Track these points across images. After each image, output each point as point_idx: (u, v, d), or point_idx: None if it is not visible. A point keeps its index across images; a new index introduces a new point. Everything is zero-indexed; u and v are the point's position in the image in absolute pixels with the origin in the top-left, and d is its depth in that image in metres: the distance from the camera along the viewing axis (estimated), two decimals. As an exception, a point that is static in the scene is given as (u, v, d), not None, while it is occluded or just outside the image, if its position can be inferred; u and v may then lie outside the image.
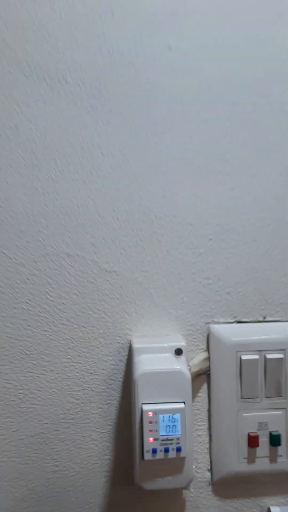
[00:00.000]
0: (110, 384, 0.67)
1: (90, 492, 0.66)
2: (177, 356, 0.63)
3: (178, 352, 0.64)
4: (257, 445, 0.66)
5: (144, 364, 0.60)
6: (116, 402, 0.67)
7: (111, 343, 0.67)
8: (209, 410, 0.68)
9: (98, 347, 0.67)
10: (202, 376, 0.68)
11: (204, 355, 0.67)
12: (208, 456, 0.68)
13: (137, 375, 0.59)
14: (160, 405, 0.58)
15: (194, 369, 0.66)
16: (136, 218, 0.66)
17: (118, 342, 0.67)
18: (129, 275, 0.66)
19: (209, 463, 0.68)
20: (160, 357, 0.62)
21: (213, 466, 0.68)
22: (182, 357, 0.63)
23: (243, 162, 0.67)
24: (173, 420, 0.58)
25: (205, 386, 0.68)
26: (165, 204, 0.66)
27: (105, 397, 0.67)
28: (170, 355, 0.63)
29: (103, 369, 0.67)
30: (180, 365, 0.60)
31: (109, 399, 0.67)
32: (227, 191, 0.67)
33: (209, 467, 0.68)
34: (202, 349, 0.68)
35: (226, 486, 0.68)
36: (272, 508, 0.68)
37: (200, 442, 0.68)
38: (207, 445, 0.68)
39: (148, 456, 0.57)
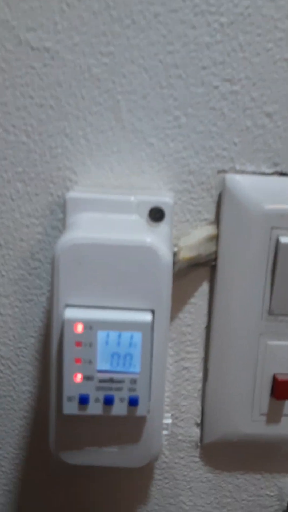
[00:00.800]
0: (34, 268, 0.38)
1: None
2: (154, 223, 0.32)
3: (157, 215, 0.33)
4: (287, 396, 0.37)
5: (80, 228, 0.30)
6: (43, 299, 0.38)
7: (36, 194, 0.36)
8: (207, 329, 0.39)
9: (13, 199, 0.37)
10: (201, 269, 0.37)
11: (208, 231, 0.36)
12: (198, 403, 0.40)
13: (59, 249, 0.29)
14: (102, 311, 0.29)
15: (187, 254, 0.36)
16: None
17: (51, 194, 0.36)
18: (75, 59, 0.33)
19: (199, 414, 0.40)
20: (117, 221, 0.31)
21: (206, 420, 0.40)
22: (163, 227, 0.32)
23: None
24: (128, 343, 0.29)
25: (204, 287, 0.38)
26: None
27: (23, 288, 0.38)
28: (139, 220, 0.32)
29: (21, 240, 0.37)
30: (153, 238, 0.29)
31: (30, 292, 0.38)
32: None
33: (198, 421, 0.40)
34: (205, 220, 0.37)
35: (225, 452, 0.41)
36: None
37: (188, 380, 0.40)
38: (199, 386, 0.40)
39: (69, 408, 0.29)
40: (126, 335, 0.28)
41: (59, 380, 0.29)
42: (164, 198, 0.32)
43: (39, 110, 0.35)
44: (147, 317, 0.28)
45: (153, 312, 0.29)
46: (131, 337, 0.28)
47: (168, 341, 0.31)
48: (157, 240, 0.29)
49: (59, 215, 0.36)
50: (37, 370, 0.39)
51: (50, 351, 0.30)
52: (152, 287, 0.28)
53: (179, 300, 0.38)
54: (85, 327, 0.28)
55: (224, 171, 0.36)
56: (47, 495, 0.42)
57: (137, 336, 0.28)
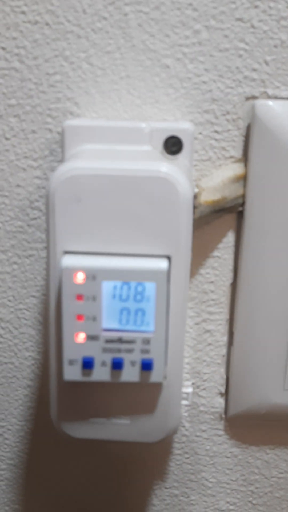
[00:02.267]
0: (33, 219, 0.33)
1: None
2: (170, 157, 0.27)
3: (173, 147, 0.27)
4: None
5: (80, 159, 0.24)
6: (45, 254, 0.34)
7: (33, 132, 0.31)
8: (233, 286, 0.34)
9: (7, 138, 0.32)
10: (226, 217, 0.32)
11: (234, 170, 0.31)
12: (222, 370, 0.35)
13: (54, 183, 0.24)
14: (107, 258, 0.24)
15: (210, 197, 0.31)
16: None
17: (49, 130, 0.31)
18: None
19: (223, 382, 0.36)
20: (125, 151, 0.26)
21: (231, 390, 0.35)
22: (181, 161, 0.27)
23: None
24: (139, 296, 0.24)
25: (229, 237, 0.33)
26: None
27: (22, 242, 0.33)
28: (152, 151, 0.27)
29: (18, 187, 0.33)
30: (169, 168, 0.24)
31: (30, 246, 0.34)
32: None
33: (222, 390, 0.36)
34: (231, 158, 0.31)
35: (252, 425, 0.36)
36: None
37: (210, 344, 0.35)
38: (223, 351, 0.35)
39: (71, 373, 0.24)
40: (136, 286, 0.23)
41: (59, 341, 0.25)
42: (183, 125, 0.27)
43: (33, 29, 0.30)
44: (162, 264, 0.23)
45: (169, 258, 0.24)
46: (143, 289, 0.23)
47: (187, 295, 0.26)
48: (175, 170, 0.23)
49: (59, 155, 0.31)
50: (40, 334, 0.35)
51: (48, 307, 0.25)
52: (168, 228, 0.23)
53: (200, 253, 0.33)
54: (87, 277, 0.23)
55: (253, 97, 0.30)
56: (55, 470, 0.38)
57: (150, 288, 0.23)
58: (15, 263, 0.34)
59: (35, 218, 0.33)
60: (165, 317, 0.24)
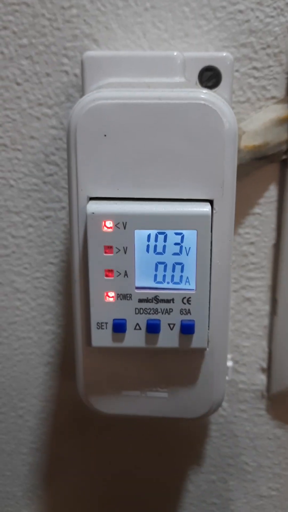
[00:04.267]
0: (49, 175, 0.30)
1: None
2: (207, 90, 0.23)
3: (210, 80, 0.23)
4: None
5: (105, 89, 0.21)
6: (63, 215, 0.30)
7: (48, 75, 0.28)
8: (276, 247, 0.30)
9: (19, 83, 0.28)
10: (268, 167, 0.28)
11: (277, 111, 0.27)
12: (264, 343, 0.32)
13: (76, 116, 0.20)
14: (139, 203, 0.20)
15: (250, 142, 0.27)
16: None
17: (66, 72, 0.28)
18: None
19: (265, 357, 0.32)
20: (155, 83, 0.22)
21: (274, 365, 0.32)
22: (219, 94, 0.23)
23: None
24: (178, 247, 0.20)
25: (272, 191, 0.29)
26: None
27: (37, 202, 0.30)
28: (186, 83, 0.23)
29: (32, 138, 0.29)
30: (210, 95, 0.20)
31: (46, 207, 0.30)
32: None
33: (264, 366, 0.32)
34: (273, 98, 0.28)
35: (298, 404, 0.33)
36: None
37: (251, 314, 0.31)
38: (265, 321, 0.31)
39: (100, 338, 0.21)
40: (174, 235, 0.20)
41: (85, 302, 0.21)
42: (220, 53, 0.23)
43: None
44: (204, 208, 0.20)
45: (211, 203, 0.20)
46: (182, 239, 0.20)
47: (232, 248, 0.22)
48: (217, 98, 0.20)
49: (77, 95, 0.28)
50: (60, 305, 0.32)
51: (72, 262, 0.22)
52: (210, 166, 0.20)
53: (238, 210, 0.29)
54: (116, 226, 0.20)
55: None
56: (79, 454, 0.35)
57: (191, 237, 0.20)
58: (30, 226, 0.30)
59: (51, 174, 0.29)
60: (208, 271, 0.20)
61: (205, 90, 0.20)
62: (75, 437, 0.35)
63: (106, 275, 0.21)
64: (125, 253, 0.20)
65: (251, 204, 0.29)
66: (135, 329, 0.21)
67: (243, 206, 0.29)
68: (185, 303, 0.21)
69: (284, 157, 0.28)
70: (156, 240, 0.20)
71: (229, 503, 0.35)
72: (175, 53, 0.22)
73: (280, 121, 0.27)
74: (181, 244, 0.20)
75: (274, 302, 0.31)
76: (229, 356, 0.32)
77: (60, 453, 0.35)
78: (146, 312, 0.21)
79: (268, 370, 0.32)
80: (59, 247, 0.31)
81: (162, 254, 0.21)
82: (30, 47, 0.28)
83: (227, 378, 0.28)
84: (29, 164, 0.29)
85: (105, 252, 0.20)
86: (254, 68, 0.27)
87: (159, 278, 0.21)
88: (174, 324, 0.21)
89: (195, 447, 0.34)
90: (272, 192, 0.29)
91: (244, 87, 0.28)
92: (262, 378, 0.32)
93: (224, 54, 0.23)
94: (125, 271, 0.20)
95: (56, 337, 0.33)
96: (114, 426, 0.34)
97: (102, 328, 0.21)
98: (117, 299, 0.21)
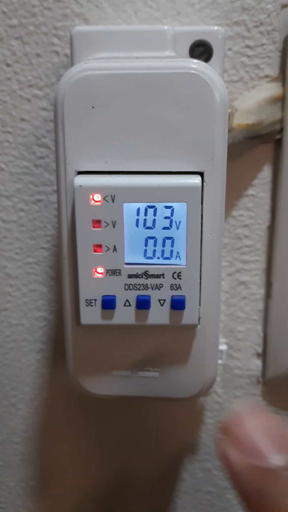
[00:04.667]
0: (41, 157, 0.29)
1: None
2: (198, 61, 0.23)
3: (201, 55, 0.23)
4: None
5: (93, 61, 0.21)
6: (55, 199, 0.30)
7: (38, 55, 0.27)
8: (271, 229, 0.30)
9: (8, 64, 0.28)
10: (262, 147, 0.28)
11: (270, 90, 0.27)
12: (259, 328, 0.31)
13: (63, 87, 0.20)
14: (128, 176, 0.20)
15: (243, 121, 0.26)
16: None
17: (56, 53, 0.27)
18: None
19: (260, 341, 0.32)
20: (145, 56, 0.22)
21: (269, 350, 0.31)
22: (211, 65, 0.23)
23: None
24: (167, 221, 0.20)
25: (266, 171, 0.29)
26: None
27: (28, 185, 0.29)
28: (176, 56, 0.23)
29: (22, 120, 0.29)
30: (201, 66, 0.20)
31: (38, 190, 0.30)
32: None
33: (259, 350, 0.32)
34: (266, 77, 0.27)
35: (295, 390, 0.32)
36: None
37: (245, 298, 0.31)
38: (260, 305, 0.31)
39: (89, 315, 0.21)
40: (164, 209, 0.20)
41: (74, 279, 0.21)
42: (211, 27, 0.23)
43: None
44: (194, 180, 0.20)
45: (201, 175, 0.20)
46: (172, 212, 0.20)
47: (223, 222, 0.22)
48: (208, 67, 0.19)
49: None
50: (52, 291, 0.31)
51: (60, 238, 0.22)
52: (200, 137, 0.19)
53: (231, 191, 0.29)
54: (105, 199, 0.19)
55: (291, 3, 0.26)
56: (73, 444, 0.34)
57: (181, 210, 0.20)
58: (21, 210, 0.30)
59: (42, 157, 0.29)
60: (199, 245, 0.20)
61: (195, 60, 0.20)
62: (68, 427, 0.34)
63: (95, 250, 0.20)
64: (114, 227, 0.20)
65: (244, 186, 0.29)
66: (124, 305, 0.20)
67: (237, 188, 0.29)
68: (175, 278, 0.20)
69: (278, 136, 0.28)
70: (145, 214, 0.20)
71: (225, 492, 0.34)
72: (165, 27, 0.22)
73: (274, 99, 0.27)
74: (171, 217, 0.20)
75: (269, 285, 0.30)
76: (224, 340, 0.31)
77: (53, 442, 0.34)
78: (135, 288, 0.20)
79: (263, 355, 0.32)
80: (51, 232, 0.30)
81: (152, 228, 0.20)
82: (20, 27, 0.27)
83: (220, 362, 0.28)
84: (19, 147, 0.29)
85: (94, 227, 0.20)
86: (247, 46, 0.27)
87: (149, 253, 0.20)
88: (164, 300, 0.20)
89: (190, 435, 0.34)
90: (266, 173, 0.29)
91: (237, 66, 0.27)
92: (257, 363, 0.32)
93: (216, 28, 0.23)
94: (114, 246, 0.20)
95: (49, 323, 0.32)
96: (108, 415, 0.33)
97: (91, 305, 0.20)
98: (106, 274, 0.20)
